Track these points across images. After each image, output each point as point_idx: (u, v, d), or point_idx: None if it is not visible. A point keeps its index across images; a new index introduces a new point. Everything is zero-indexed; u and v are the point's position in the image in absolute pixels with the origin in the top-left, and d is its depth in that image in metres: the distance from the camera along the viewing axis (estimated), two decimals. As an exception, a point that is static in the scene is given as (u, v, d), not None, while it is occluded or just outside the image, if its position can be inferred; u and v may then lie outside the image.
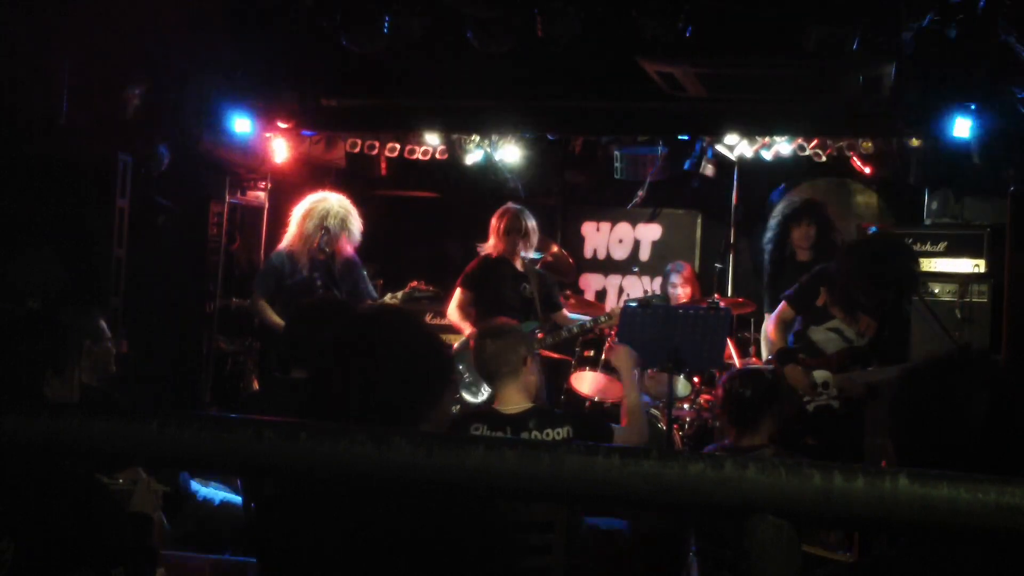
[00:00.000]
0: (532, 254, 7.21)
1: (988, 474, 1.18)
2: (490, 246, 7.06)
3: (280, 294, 6.77)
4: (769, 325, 6.19)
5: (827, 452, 5.48)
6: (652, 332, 6.08)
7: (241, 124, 7.63)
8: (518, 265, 7.00)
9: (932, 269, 7.23)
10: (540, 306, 6.99)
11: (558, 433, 3.92)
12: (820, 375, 5.77)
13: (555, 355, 7.33)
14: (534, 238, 7.09)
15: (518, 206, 7.09)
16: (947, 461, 1.84)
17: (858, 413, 5.72)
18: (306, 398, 2.37)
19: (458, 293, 7.09)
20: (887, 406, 2.06)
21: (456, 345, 7.38)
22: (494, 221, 7.03)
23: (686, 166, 8.25)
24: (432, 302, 7.87)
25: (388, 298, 7.12)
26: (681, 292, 7.84)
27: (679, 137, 7.97)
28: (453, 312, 7.11)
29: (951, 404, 1.94)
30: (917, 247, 7.25)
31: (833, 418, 5.70)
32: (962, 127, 6.68)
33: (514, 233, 6.93)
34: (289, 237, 6.83)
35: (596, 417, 4.13)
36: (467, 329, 7.06)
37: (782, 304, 6.16)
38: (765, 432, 4.46)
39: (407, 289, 7.21)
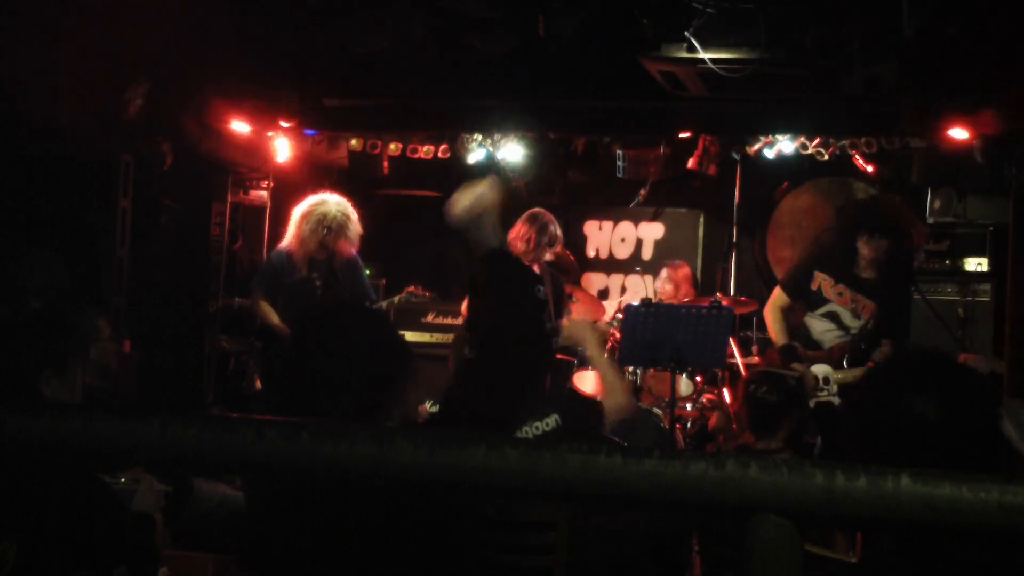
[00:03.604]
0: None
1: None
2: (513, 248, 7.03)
3: (279, 293, 6.80)
4: (765, 312, 6.18)
5: (829, 450, 5.49)
6: (654, 331, 6.09)
7: (243, 123, 7.64)
8: (535, 267, 7.00)
9: (934, 268, 7.23)
10: (553, 309, 7.00)
11: (546, 424, 3.90)
12: (820, 369, 5.77)
13: (558, 355, 7.33)
14: (559, 245, 7.10)
15: (546, 214, 7.04)
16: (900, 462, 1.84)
17: None
18: (275, 391, 2.38)
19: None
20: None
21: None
22: (522, 227, 6.96)
23: (688, 165, 8.25)
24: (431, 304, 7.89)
25: (385, 305, 7.16)
26: (663, 289, 7.83)
27: (681, 136, 7.97)
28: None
29: (903, 407, 1.94)
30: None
31: (834, 415, 5.71)
32: (964, 126, 6.68)
33: (544, 245, 6.91)
34: (288, 238, 6.86)
35: (583, 401, 4.07)
36: None
37: (776, 289, 6.18)
38: (781, 437, 4.45)
39: (403, 294, 7.25)
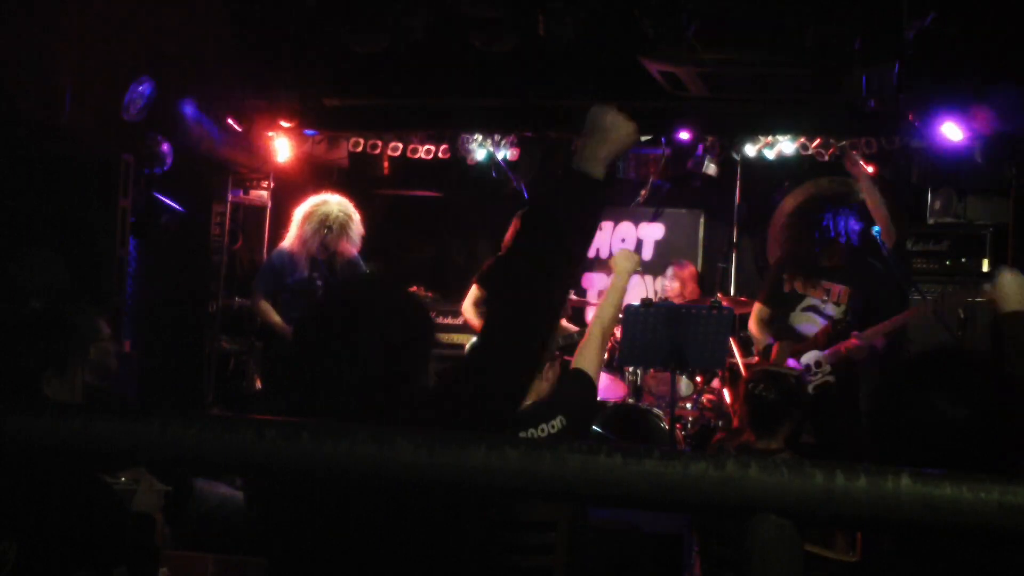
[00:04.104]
0: None
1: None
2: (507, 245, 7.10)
3: (280, 293, 6.80)
4: (750, 324, 6.37)
5: (830, 429, 5.57)
6: (655, 331, 6.10)
7: (243, 123, 7.64)
8: None
9: (934, 268, 7.23)
10: None
11: (552, 426, 3.89)
12: (809, 357, 5.89)
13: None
14: None
15: None
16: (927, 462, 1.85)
17: (854, 383, 5.89)
18: (291, 388, 2.29)
19: (473, 290, 7.14)
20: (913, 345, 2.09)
21: (468, 345, 7.40)
22: (517, 223, 7.06)
23: (689, 165, 8.25)
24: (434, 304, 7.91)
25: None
26: (669, 287, 7.86)
27: (682, 136, 7.97)
28: (468, 309, 7.17)
29: (929, 407, 1.94)
30: (920, 246, 7.26)
31: (833, 395, 5.83)
32: (965, 126, 6.67)
33: None
34: (290, 238, 6.87)
35: (582, 395, 4.04)
36: (480, 326, 7.09)
37: (755, 304, 6.34)
38: (782, 436, 4.46)
39: None
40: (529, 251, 2.18)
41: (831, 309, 6.05)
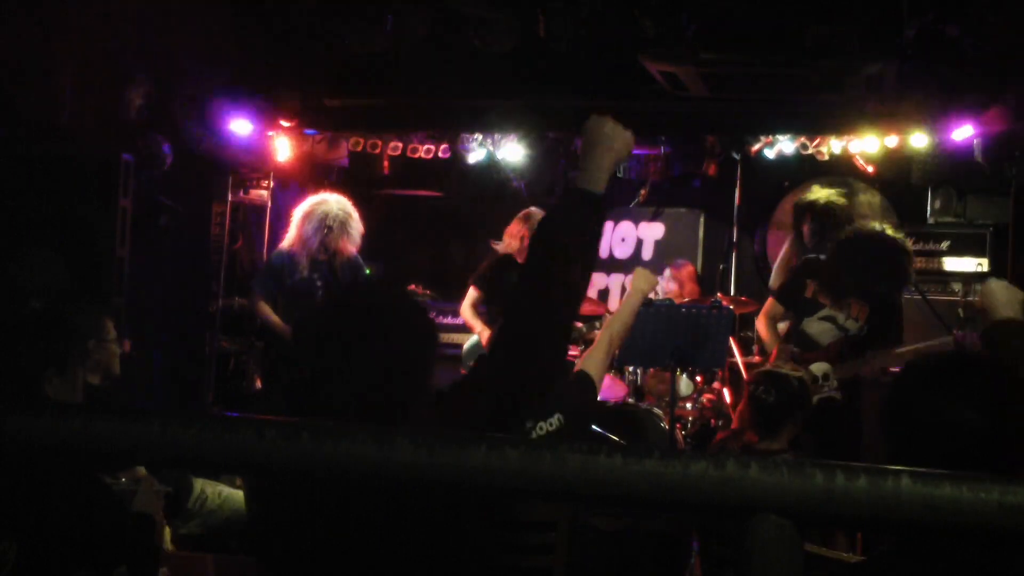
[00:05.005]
0: None
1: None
2: (504, 246, 7.06)
3: (281, 294, 6.80)
4: (758, 321, 6.25)
5: (831, 444, 5.51)
6: (655, 331, 6.09)
7: (243, 123, 7.64)
8: None
9: (934, 268, 7.23)
10: None
11: (550, 424, 3.88)
12: (819, 368, 5.81)
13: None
14: None
15: (539, 212, 7.12)
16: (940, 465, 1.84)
17: (856, 402, 5.82)
18: (292, 389, 2.27)
19: (470, 292, 7.14)
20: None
21: (466, 345, 7.41)
22: (517, 225, 7.01)
23: (689, 165, 8.25)
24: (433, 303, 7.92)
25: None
26: (668, 288, 7.86)
27: (681, 136, 7.97)
28: (466, 310, 7.17)
29: (943, 410, 1.94)
30: (920, 246, 7.25)
31: (836, 410, 5.76)
32: (965, 126, 6.68)
33: None
34: (289, 238, 6.86)
35: (582, 396, 4.04)
36: (478, 327, 7.08)
37: (769, 300, 6.23)
38: (785, 437, 4.46)
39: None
40: (539, 275, 2.24)
41: (848, 323, 5.98)
